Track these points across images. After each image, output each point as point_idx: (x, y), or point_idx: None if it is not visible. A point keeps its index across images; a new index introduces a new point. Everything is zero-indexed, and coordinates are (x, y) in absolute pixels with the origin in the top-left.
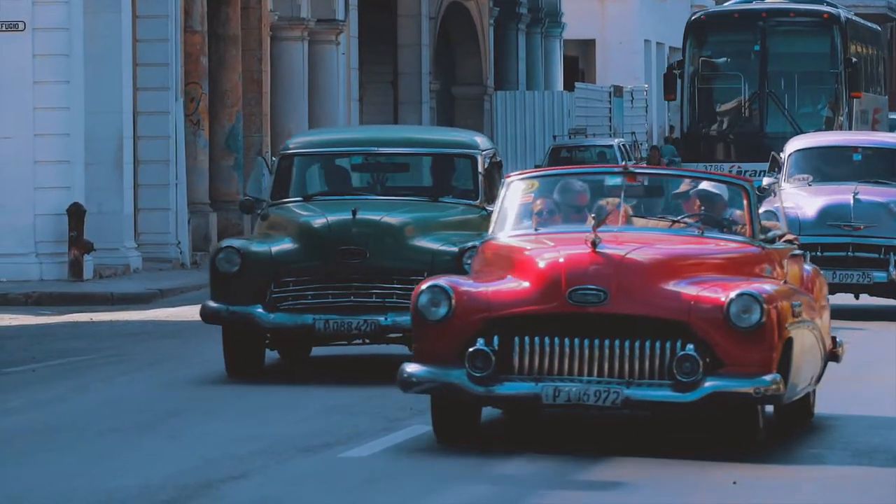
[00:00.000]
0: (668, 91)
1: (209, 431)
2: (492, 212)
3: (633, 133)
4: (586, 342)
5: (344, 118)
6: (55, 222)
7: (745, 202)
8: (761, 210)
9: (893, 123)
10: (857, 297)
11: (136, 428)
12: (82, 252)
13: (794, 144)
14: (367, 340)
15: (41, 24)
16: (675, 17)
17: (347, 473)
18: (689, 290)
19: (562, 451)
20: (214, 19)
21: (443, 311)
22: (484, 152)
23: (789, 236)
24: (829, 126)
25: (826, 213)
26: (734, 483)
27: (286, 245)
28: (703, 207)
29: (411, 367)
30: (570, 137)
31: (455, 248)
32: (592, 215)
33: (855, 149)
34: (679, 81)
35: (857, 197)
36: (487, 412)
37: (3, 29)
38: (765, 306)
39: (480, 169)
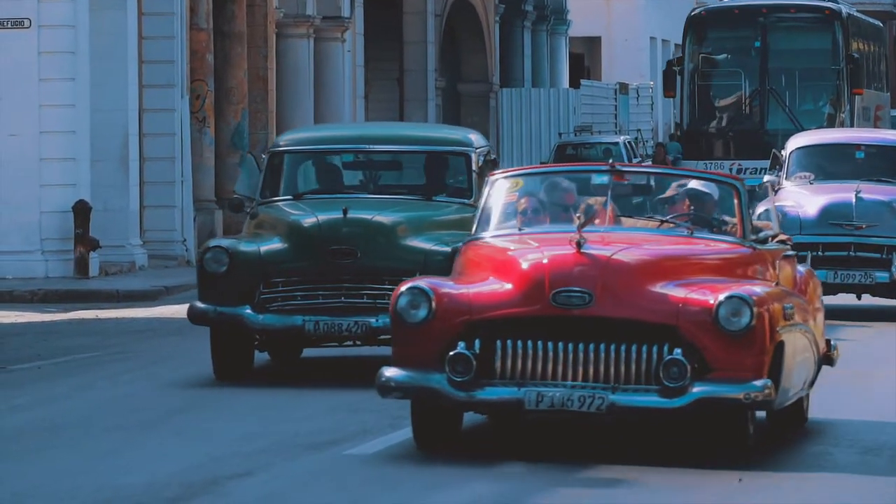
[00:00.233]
0: (667, 88)
1: (215, 429)
2: None
3: (638, 130)
4: (570, 346)
5: (349, 115)
6: (61, 219)
7: (735, 201)
8: (760, 209)
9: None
10: (858, 298)
11: (142, 425)
12: (88, 249)
13: (796, 142)
14: (358, 342)
15: (47, 22)
16: (681, 14)
17: (353, 471)
18: (676, 292)
19: (561, 452)
20: (220, 16)
21: (423, 313)
22: (478, 150)
23: (782, 236)
24: (831, 123)
25: (827, 212)
26: (740, 480)
27: (275, 245)
28: (692, 207)
29: (390, 372)
30: (575, 135)
31: (448, 248)
32: (578, 215)
33: (857, 146)
34: (679, 78)
35: (860, 196)
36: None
37: (9, 26)
38: (755, 309)
39: (474, 167)
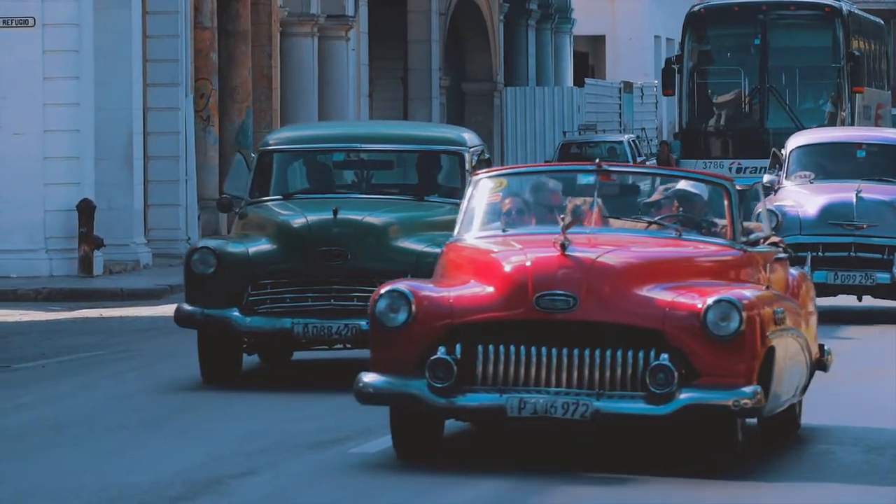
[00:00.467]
0: (666, 86)
1: (218, 428)
2: None
3: (642, 129)
4: (554, 351)
5: (354, 114)
6: (65, 218)
7: (725, 202)
8: (759, 210)
9: None
10: (859, 299)
11: (146, 424)
12: (92, 248)
13: (796, 141)
14: (349, 345)
15: (51, 21)
16: (685, 13)
17: (356, 470)
18: (663, 295)
19: (558, 452)
20: (224, 15)
21: (402, 317)
22: (472, 149)
23: (774, 238)
24: (832, 122)
25: (828, 212)
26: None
27: (264, 246)
28: (681, 208)
29: (368, 377)
30: (579, 133)
31: (440, 250)
32: (563, 216)
33: (859, 145)
34: (678, 76)
35: (860, 195)
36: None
37: (14, 25)
38: (744, 313)
39: (468, 167)
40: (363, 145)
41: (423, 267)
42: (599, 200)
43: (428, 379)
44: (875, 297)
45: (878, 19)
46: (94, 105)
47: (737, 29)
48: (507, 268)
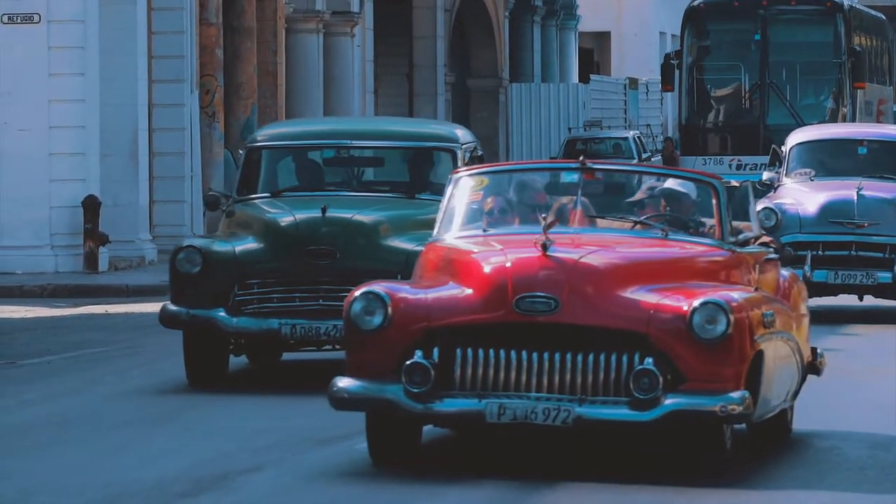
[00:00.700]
0: (665, 82)
1: (223, 424)
2: None
3: (648, 125)
4: (535, 355)
5: (359, 110)
6: (70, 214)
7: (713, 201)
8: (759, 207)
9: None
10: (860, 299)
11: (151, 421)
12: (97, 244)
13: (796, 137)
14: (338, 346)
15: (56, 17)
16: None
17: (363, 465)
18: (648, 297)
19: (545, 457)
20: (230, 11)
21: (378, 319)
22: (464, 146)
23: (765, 238)
24: (833, 118)
25: (828, 210)
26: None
27: (251, 244)
28: (668, 207)
29: (343, 382)
30: (585, 130)
31: None
32: (544, 215)
33: (860, 142)
34: (677, 72)
35: (861, 193)
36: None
37: (19, 21)
38: (731, 316)
39: (460, 164)
40: (353, 142)
41: (413, 266)
42: (584, 199)
43: (404, 384)
44: (876, 296)
45: (879, 14)
46: (100, 101)
47: (737, 24)
48: (487, 269)
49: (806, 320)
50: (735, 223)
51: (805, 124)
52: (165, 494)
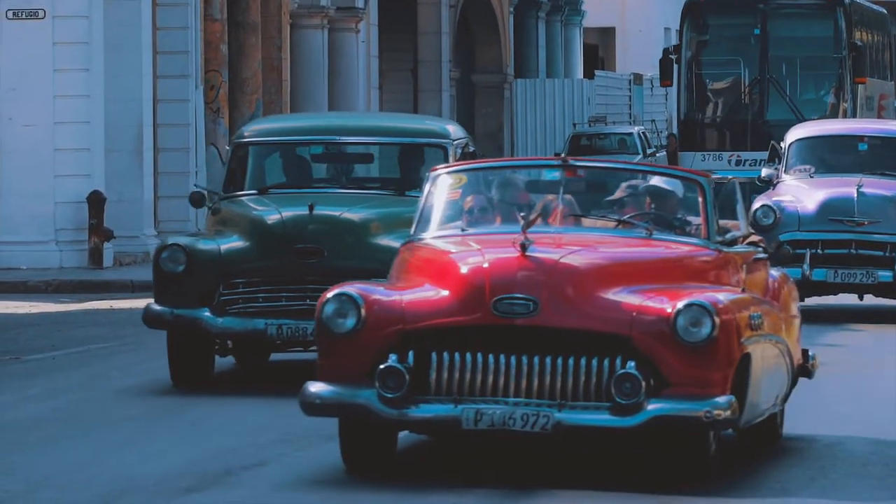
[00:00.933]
0: (664, 77)
1: (229, 419)
2: None
3: (652, 121)
4: (513, 359)
5: (364, 106)
6: (75, 210)
7: (700, 199)
8: (757, 204)
9: None
10: (861, 298)
11: (156, 416)
12: (102, 240)
13: (796, 133)
14: None
15: (61, 12)
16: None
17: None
18: (631, 299)
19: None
20: (234, 7)
21: (350, 322)
22: (455, 142)
23: (754, 238)
24: (833, 113)
25: (827, 207)
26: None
27: (236, 243)
28: (653, 205)
29: (315, 387)
30: (589, 125)
31: None
32: (523, 214)
33: (860, 138)
34: (676, 67)
35: (861, 190)
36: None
37: (24, 17)
38: (716, 318)
39: (451, 160)
40: (342, 138)
41: None
42: (568, 198)
43: (378, 389)
44: (877, 295)
45: (881, 9)
46: (105, 97)
47: (736, 18)
48: (464, 269)
49: (797, 321)
50: (722, 222)
51: (805, 119)
52: (171, 489)
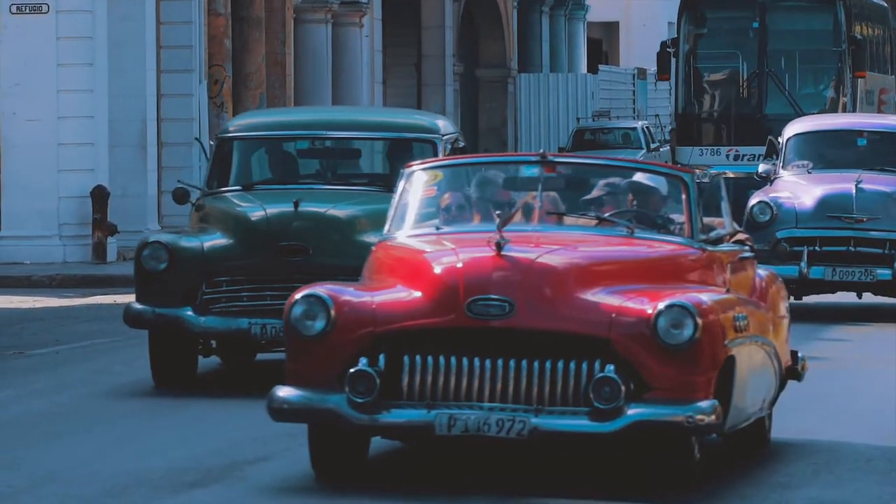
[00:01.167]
0: (661, 70)
1: (234, 414)
2: None
3: (656, 115)
4: (488, 362)
5: (367, 100)
6: (79, 205)
7: (683, 197)
8: (753, 201)
9: None
10: (859, 296)
11: (160, 410)
12: (106, 234)
13: (794, 128)
14: None
15: (65, 7)
16: None
17: (373, 455)
18: (610, 300)
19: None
20: (238, 2)
21: (320, 325)
22: (445, 137)
23: (740, 236)
24: (833, 107)
25: (826, 204)
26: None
27: (220, 240)
28: (636, 202)
29: (283, 392)
30: (593, 120)
31: None
32: (499, 212)
33: (859, 133)
34: (673, 60)
35: (860, 186)
36: None
37: (27, 11)
38: (699, 320)
39: (441, 155)
40: (329, 132)
41: None
42: (550, 194)
43: (348, 393)
44: (875, 293)
45: (882, 2)
46: (108, 91)
47: (734, 11)
48: (437, 269)
49: (786, 322)
50: (707, 220)
51: (804, 114)
52: (175, 484)
